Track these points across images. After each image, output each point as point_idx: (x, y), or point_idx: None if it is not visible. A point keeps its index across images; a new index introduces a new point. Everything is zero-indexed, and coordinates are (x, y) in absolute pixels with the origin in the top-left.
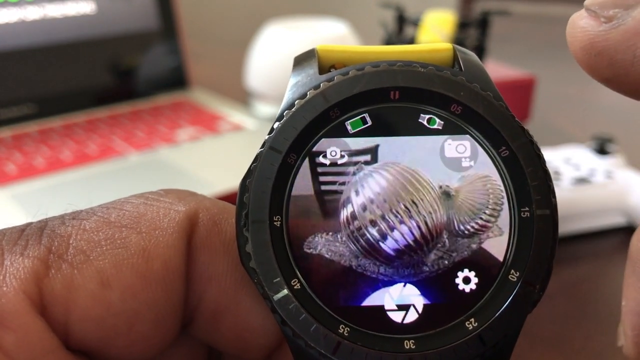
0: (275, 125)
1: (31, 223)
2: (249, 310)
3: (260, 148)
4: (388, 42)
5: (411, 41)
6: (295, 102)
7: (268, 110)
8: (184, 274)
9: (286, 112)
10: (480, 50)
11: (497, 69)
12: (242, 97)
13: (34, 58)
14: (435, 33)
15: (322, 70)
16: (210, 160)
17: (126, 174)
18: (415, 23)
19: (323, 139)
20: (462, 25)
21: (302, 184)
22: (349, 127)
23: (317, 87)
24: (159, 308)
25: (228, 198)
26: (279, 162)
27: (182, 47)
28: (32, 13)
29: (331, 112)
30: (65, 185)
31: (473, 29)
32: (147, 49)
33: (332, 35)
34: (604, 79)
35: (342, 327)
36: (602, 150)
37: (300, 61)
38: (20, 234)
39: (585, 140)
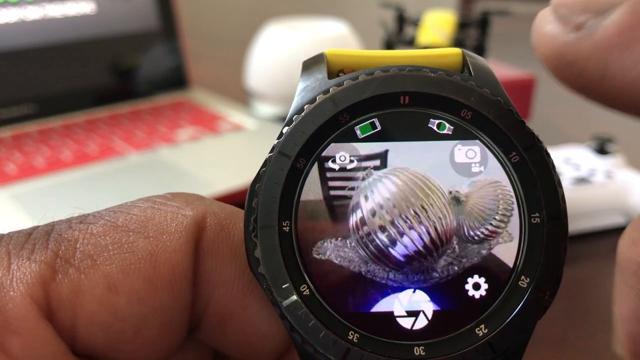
0: (284, 130)
1: (38, 226)
2: (257, 315)
3: (270, 153)
4: (388, 42)
5: (411, 41)
6: (305, 107)
7: (268, 110)
8: (191, 278)
9: (295, 116)
10: (480, 50)
11: (497, 69)
12: (242, 97)
13: (34, 58)
14: (435, 33)
15: (331, 74)
16: (210, 160)
17: (126, 174)
18: (415, 23)
19: (332, 144)
20: (462, 25)
21: (311, 189)
22: (358, 132)
23: (326, 91)
24: (166, 313)
25: (228, 198)
26: (288, 167)
27: (182, 47)
28: (32, 13)
29: (340, 116)
30: (65, 185)
31: (473, 29)
32: (147, 49)
33: (332, 35)
34: (574, 89)
35: (352, 334)
36: (602, 150)
37: (309, 65)
38: (27, 238)
39: (585, 140)
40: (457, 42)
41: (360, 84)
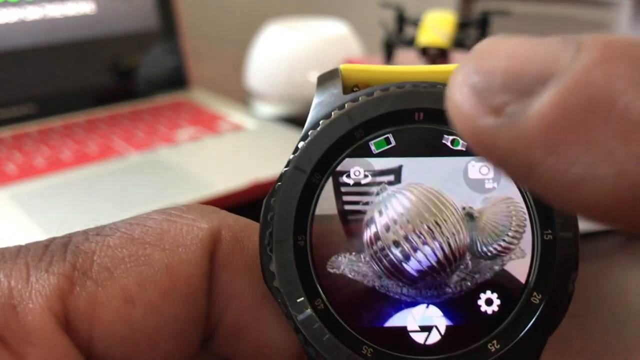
0: (300, 145)
1: (55, 238)
2: (270, 327)
3: (285, 167)
4: (388, 42)
5: (411, 41)
6: (320, 122)
7: (268, 110)
8: (206, 290)
9: (310, 131)
10: None
11: None
12: (242, 97)
13: (34, 58)
14: (435, 33)
15: (346, 89)
16: (210, 160)
17: (126, 174)
18: (415, 23)
19: (347, 159)
20: (462, 25)
21: (326, 203)
22: (373, 148)
23: (341, 107)
24: (181, 325)
25: (228, 198)
26: (303, 181)
27: (182, 47)
28: (32, 13)
29: (356, 132)
30: (65, 185)
31: (473, 29)
32: (147, 49)
33: (332, 35)
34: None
35: (366, 348)
36: None
37: (324, 80)
38: (45, 250)
39: None
40: (457, 42)
41: (376, 100)
